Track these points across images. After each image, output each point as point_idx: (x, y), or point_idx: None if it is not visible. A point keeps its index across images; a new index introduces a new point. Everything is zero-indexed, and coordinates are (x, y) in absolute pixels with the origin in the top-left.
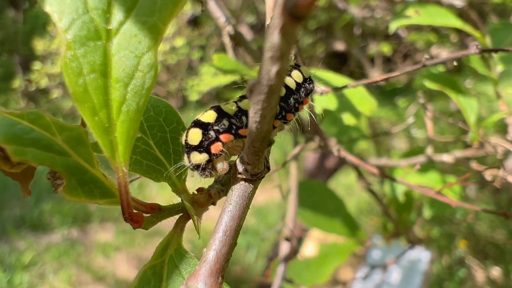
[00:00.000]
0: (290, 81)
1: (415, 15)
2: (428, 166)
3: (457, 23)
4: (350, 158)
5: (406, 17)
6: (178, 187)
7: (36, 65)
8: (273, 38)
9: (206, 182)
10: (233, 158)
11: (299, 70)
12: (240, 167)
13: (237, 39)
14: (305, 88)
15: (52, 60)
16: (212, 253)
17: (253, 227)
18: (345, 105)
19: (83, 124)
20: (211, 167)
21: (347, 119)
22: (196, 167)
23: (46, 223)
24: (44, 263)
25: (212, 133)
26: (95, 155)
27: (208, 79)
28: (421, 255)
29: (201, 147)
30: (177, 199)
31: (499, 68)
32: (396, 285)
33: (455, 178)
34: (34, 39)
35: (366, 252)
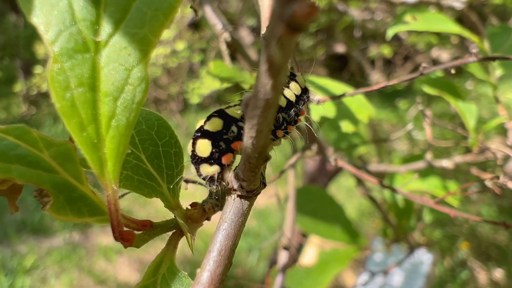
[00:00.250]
0: (289, 94)
1: (413, 21)
2: (428, 171)
3: (455, 28)
4: (348, 167)
5: (403, 23)
6: (171, 203)
7: (38, 69)
8: (270, 50)
9: (200, 197)
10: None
11: (296, 81)
12: (235, 184)
13: (234, 46)
14: (303, 99)
15: None
16: (206, 274)
17: (254, 229)
18: (343, 112)
19: (72, 139)
20: (221, 178)
21: (345, 126)
22: (204, 178)
23: (47, 227)
24: (45, 267)
25: (222, 143)
26: (83, 171)
27: (209, 82)
28: (423, 257)
29: (212, 159)
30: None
31: (498, 72)
32: None
33: (455, 183)
34: (35, 43)
35: (367, 255)
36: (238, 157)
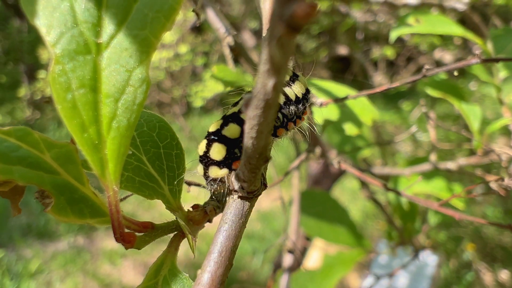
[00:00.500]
0: (289, 92)
1: (416, 24)
2: (433, 173)
3: (458, 30)
4: (351, 170)
5: (406, 26)
6: (173, 205)
7: (41, 74)
8: (270, 50)
9: (204, 200)
10: None
11: (298, 81)
12: (236, 185)
13: (237, 50)
14: (305, 99)
15: None
16: (206, 275)
17: (258, 232)
18: (347, 115)
19: (73, 140)
20: (224, 180)
21: (349, 129)
22: (210, 179)
23: (52, 231)
24: (50, 271)
25: (237, 151)
26: (85, 172)
27: (212, 85)
28: (428, 259)
29: (223, 163)
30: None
31: (502, 74)
32: None
33: (460, 185)
34: (39, 48)
35: (372, 257)
36: None
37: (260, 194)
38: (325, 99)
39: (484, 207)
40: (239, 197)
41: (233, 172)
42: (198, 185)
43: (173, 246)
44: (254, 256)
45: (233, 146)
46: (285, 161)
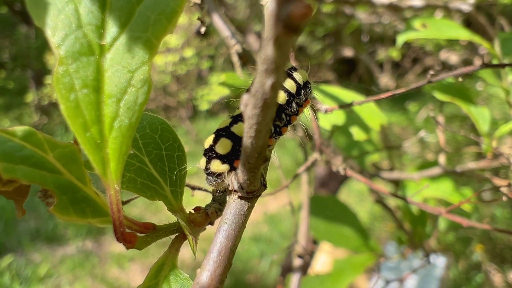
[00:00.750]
0: (290, 85)
1: (422, 29)
2: (442, 177)
3: (466, 35)
4: (357, 176)
5: (413, 31)
6: (174, 206)
7: (49, 79)
8: (268, 50)
9: (203, 201)
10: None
11: (297, 73)
12: (235, 184)
13: (245, 57)
14: (305, 91)
15: None
16: (205, 274)
17: (266, 235)
18: (355, 120)
19: (76, 141)
20: (223, 177)
21: (357, 134)
22: (210, 173)
23: (60, 235)
24: (59, 275)
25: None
26: (87, 172)
27: (218, 88)
28: (437, 261)
29: (226, 158)
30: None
31: (511, 77)
32: None
33: (469, 189)
34: (46, 54)
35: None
36: None
37: (260, 194)
38: (331, 105)
39: (492, 208)
40: (239, 197)
41: (233, 172)
42: (201, 189)
43: (174, 247)
44: (262, 259)
45: (239, 144)
46: (292, 164)
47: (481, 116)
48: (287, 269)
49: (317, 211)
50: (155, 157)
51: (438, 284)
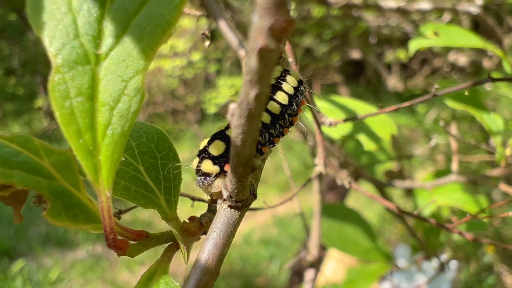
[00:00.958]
0: (282, 97)
1: (434, 37)
2: (455, 185)
3: (478, 42)
4: (362, 191)
5: (425, 39)
6: (169, 215)
7: None
8: (251, 62)
9: (198, 211)
10: None
11: (290, 76)
12: (224, 193)
13: None
14: (300, 91)
15: None
16: (192, 283)
17: (275, 238)
18: (365, 129)
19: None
20: (212, 181)
21: (367, 144)
22: (200, 173)
23: (71, 239)
24: (70, 279)
25: None
26: (82, 179)
27: (225, 91)
28: (448, 263)
29: (218, 160)
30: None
31: None
32: None
33: (484, 197)
34: None
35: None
36: None
37: (249, 204)
38: (341, 116)
39: (504, 209)
40: (229, 206)
41: (222, 176)
42: (201, 200)
43: (167, 255)
44: (271, 262)
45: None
46: (300, 166)
47: (494, 124)
48: (296, 273)
49: (328, 219)
50: (150, 166)
51: (449, 286)
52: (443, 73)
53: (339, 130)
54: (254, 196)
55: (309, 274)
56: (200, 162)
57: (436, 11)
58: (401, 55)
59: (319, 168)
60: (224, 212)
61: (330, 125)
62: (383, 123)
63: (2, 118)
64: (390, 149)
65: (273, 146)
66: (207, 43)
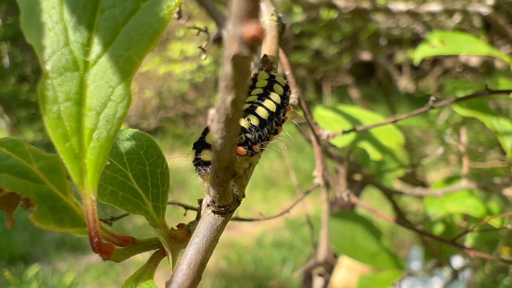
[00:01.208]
0: (269, 104)
1: (440, 45)
2: (467, 192)
3: (485, 50)
4: (362, 204)
5: (431, 47)
6: (156, 222)
7: None
8: (226, 68)
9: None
10: None
11: (276, 83)
12: (208, 198)
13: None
14: (286, 97)
15: None
16: (173, 286)
17: (287, 240)
18: (371, 139)
19: None
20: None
21: (373, 154)
22: (200, 163)
23: (85, 244)
24: (84, 284)
25: None
26: (69, 184)
27: None
28: (462, 270)
29: None
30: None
31: None
32: None
33: (496, 202)
34: None
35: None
36: None
37: (233, 210)
38: (346, 127)
39: None
40: (213, 211)
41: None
42: (193, 208)
43: (153, 262)
44: (284, 265)
45: None
46: (311, 168)
47: (504, 131)
48: (310, 276)
49: (340, 227)
50: (138, 172)
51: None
52: (454, 73)
53: (342, 138)
54: (238, 202)
55: (318, 283)
56: (198, 152)
57: (446, 13)
58: (412, 55)
59: (317, 180)
60: (208, 217)
61: (328, 137)
62: (390, 133)
63: (15, 124)
64: (401, 156)
65: (262, 151)
66: (204, 56)
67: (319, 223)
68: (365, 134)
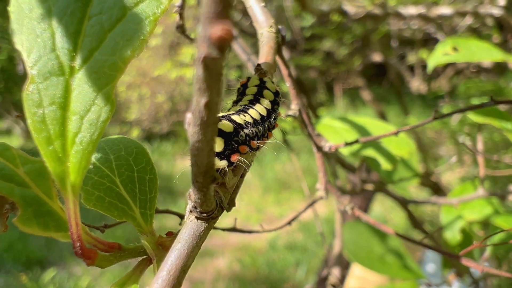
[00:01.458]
0: (260, 109)
1: (453, 52)
2: (485, 200)
3: (499, 56)
4: (366, 218)
5: (444, 55)
6: (144, 228)
7: None
8: (199, 70)
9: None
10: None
11: (267, 89)
12: (190, 204)
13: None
14: (276, 103)
15: None
16: None
17: (301, 243)
18: (381, 148)
19: None
20: (225, 173)
21: (384, 163)
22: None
23: None
24: None
25: (233, 143)
26: (56, 188)
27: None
28: (483, 280)
29: (222, 154)
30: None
31: None
32: None
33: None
34: None
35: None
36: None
37: (216, 216)
38: (355, 137)
39: None
40: (196, 217)
41: (231, 170)
42: (177, 214)
43: (139, 269)
44: (298, 267)
45: (229, 138)
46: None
47: None
48: (324, 278)
49: (355, 236)
50: (126, 179)
51: None
52: (467, 74)
53: (350, 147)
54: (221, 208)
55: None
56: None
57: (457, 15)
58: (424, 55)
59: (320, 193)
60: (191, 223)
61: (330, 149)
62: (401, 142)
63: (27, 130)
64: (415, 163)
65: (253, 154)
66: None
67: (331, 225)
68: (376, 144)
